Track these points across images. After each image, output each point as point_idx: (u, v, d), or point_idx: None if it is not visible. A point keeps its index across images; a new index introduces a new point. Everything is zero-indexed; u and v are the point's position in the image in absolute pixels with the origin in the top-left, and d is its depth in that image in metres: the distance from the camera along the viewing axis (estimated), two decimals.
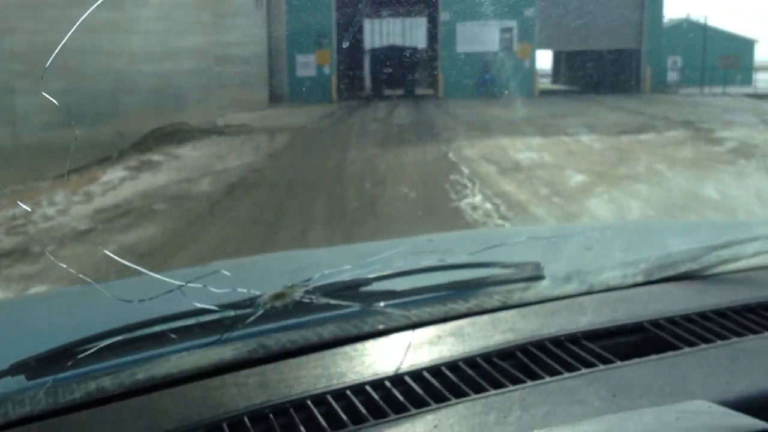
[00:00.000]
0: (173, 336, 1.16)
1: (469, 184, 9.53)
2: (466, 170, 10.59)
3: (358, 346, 1.17)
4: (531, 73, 28.64)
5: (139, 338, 1.15)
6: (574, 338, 1.17)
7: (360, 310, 1.26)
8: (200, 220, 8.39)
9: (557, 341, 1.15)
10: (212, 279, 1.24)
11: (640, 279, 1.42)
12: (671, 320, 1.22)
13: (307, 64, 29.14)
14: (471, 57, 28.42)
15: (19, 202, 9.87)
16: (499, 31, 28.43)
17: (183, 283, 1.20)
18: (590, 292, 1.37)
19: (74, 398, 1.04)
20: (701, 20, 40.05)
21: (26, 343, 1.38)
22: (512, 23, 28.36)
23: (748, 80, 40.81)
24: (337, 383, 1.05)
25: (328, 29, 29.04)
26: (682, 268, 1.44)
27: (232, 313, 1.18)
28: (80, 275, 1.31)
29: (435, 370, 1.08)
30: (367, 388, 1.04)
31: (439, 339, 1.18)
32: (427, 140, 14.31)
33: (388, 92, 36.42)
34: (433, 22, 33.53)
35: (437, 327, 1.23)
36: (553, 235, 2.05)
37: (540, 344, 1.15)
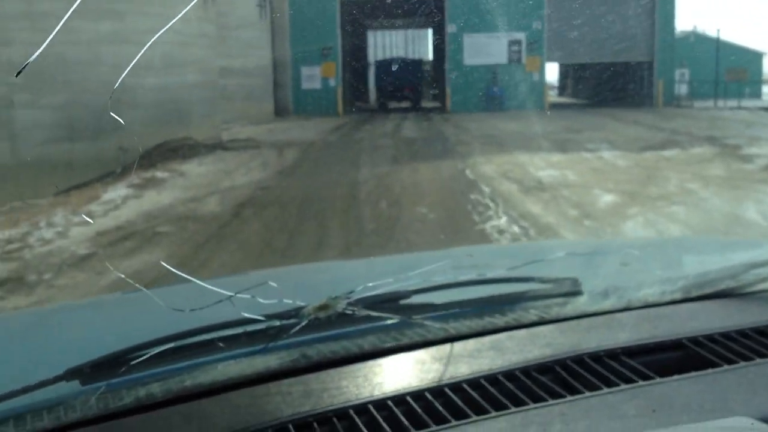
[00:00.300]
0: (221, 344, 1.18)
1: (492, 205, 8.98)
2: (486, 189, 10.05)
3: (399, 357, 1.18)
4: (540, 86, 28.17)
5: (188, 346, 1.17)
6: (614, 354, 1.16)
7: (400, 322, 1.27)
8: (207, 244, 7.84)
9: (596, 356, 1.15)
10: (259, 289, 1.27)
11: (678, 296, 1.40)
12: (710, 338, 1.21)
13: (312, 77, 28.69)
14: (479, 70, 27.97)
15: (18, 223, 9.32)
16: (508, 44, 27.98)
17: (232, 294, 1.24)
18: (629, 309, 1.36)
19: (124, 404, 1.05)
20: (708, 33, 39.70)
21: (80, 348, 1.41)
22: (521, 36, 27.92)
23: (756, 93, 40.35)
24: (378, 394, 1.06)
25: (333, 41, 28.61)
26: (721, 286, 1.43)
27: (277, 323, 1.20)
28: (132, 282, 1.41)
29: (474, 382, 1.08)
30: (408, 398, 1.04)
31: (478, 352, 1.19)
32: (440, 156, 13.79)
33: (393, 105, 36.00)
34: (439, 34, 33.11)
35: (476, 340, 1.23)
36: (591, 251, 2.10)
37: (579, 359, 1.14)
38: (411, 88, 34.64)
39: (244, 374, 1.12)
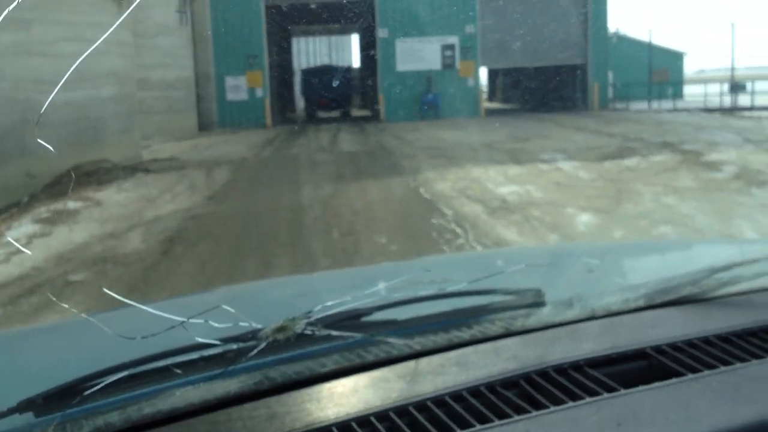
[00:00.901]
0: (178, 371, 1.14)
1: (460, 231, 7.93)
2: (448, 211, 9.01)
3: (362, 376, 1.16)
4: (476, 92, 27.43)
5: (144, 373, 1.14)
6: (578, 366, 1.15)
7: (362, 340, 1.24)
8: (132, 294, 6.48)
9: (561, 369, 1.14)
10: (213, 313, 1.25)
11: (641, 303, 1.39)
12: (674, 346, 1.20)
13: (237, 87, 27.20)
14: (412, 76, 27.05)
15: None
16: (441, 48, 27.15)
17: (184, 319, 1.21)
18: (592, 318, 1.35)
19: None
20: (628, 35, 39.96)
21: (29, 378, 1.38)
22: (454, 39, 27.13)
23: (678, 94, 40.82)
24: (342, 415, 1.04)
25: (258, 49, 27.20)
26: (684, 292, 1.42)
27: (234, 346, 1.17)
28: (76, 311, 1.40)
29: (439, 400, 1.07)
30: (372, 419, 1.03)
31: (442, 368, 1.17)
32: (388, 172, 12.70)
33: (322, 114, 34.84)
34: (370, 39, 32.10)
35: (441, 356, 1.21)
36: (551, 258, 2.16)
37: (543, 372, 1.13)
38: (340, 96, 33.53)
39: (204, 399, 1.09)
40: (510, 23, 26.83)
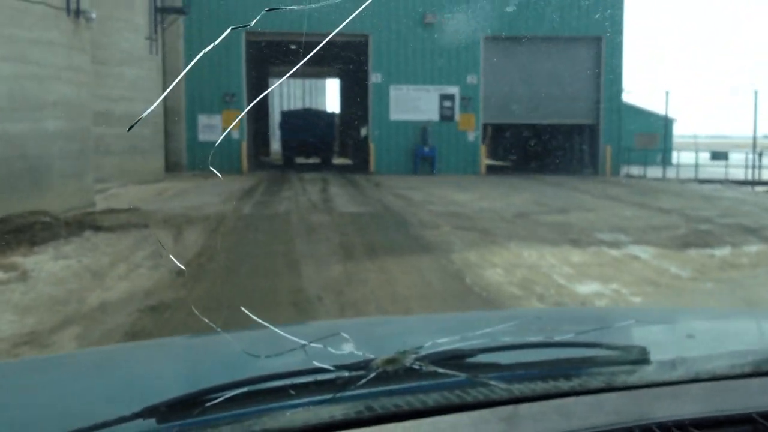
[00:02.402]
0: (292, 392, 1.20)
1: None
2: None
3: (462, 415, 1.17)
4: (476, 147, 24.95)
5: (260, 391, 1.19)
6: (682, 425, 1.14)
7: (465, 380, 1.25)
8: None
9: (665, 427, 1.13)
10: (331, 340, 1.32)
11: (748, 370, 1.35)
12: None
13: (211, 127, 24.36)
14: (407, 126, 24.51)
15: None
16: (439, 98, 24.71)
17: (306, 342, 1.30)
18: (696, 380, 1.32)
19: None
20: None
21: (153, 388, 1.44)
22: (454, 90, 24.73)
23: (668, 160, 39.06)
24: None
25: (237, 87, 24.45)
26: None
27: (346, 373, 1.22)
28: (213, 326, 1.43)
29: None
30: None
31: (543, 415, 1.17)
32: (409, 248, 9.92)
33: (301, 160, 32.18)
34: (357, 84, 29.62)
35: (541, 404, 1.21)
36: (659, 320, 2.10)
37: (647, 428, 1.12)
38: (322, 143, 30.95)
39: (309, 423, 1.12)
40: (514, 75, 24.55)
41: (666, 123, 43.39)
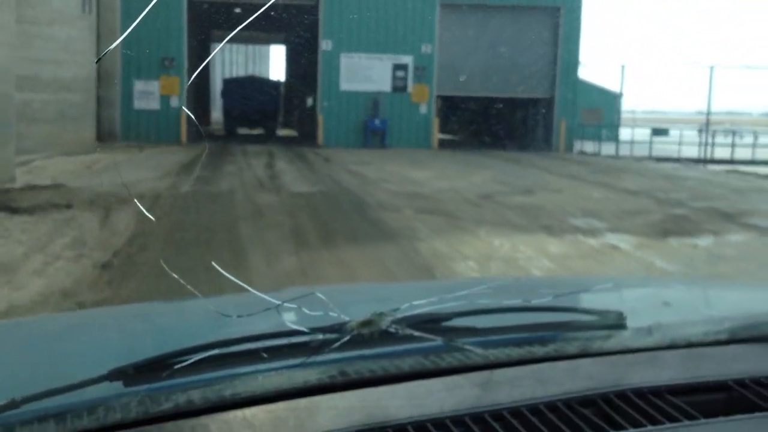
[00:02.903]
0: (264, 355, 1.18)
1: None
2: None
3: (438, 380, 1.16)
4: (428, 120, 23.95)
5: (231, 354, 1.18)
6: (658, 391, 1.13)
7: (440, 344, 1.24)
8: None
9: (640, 393, 1.12)
10: (306, 300, 1.29)
11: (723, 337, 1.35)
12: (757, 381, 1.18)
13: (148, 94, 22.79)
14: (357, 97, 23.34)
15: None
16: (392, 68, 23.58)
17: (280, 302, 1.27)
18: (673, 347, 1.32)
19: (162, 409, 1.04)
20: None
21: (122, 351, 1.44)
22: (407, 59, 23.62)
23: (613, 137, 38.80)
24: (417, 415, 1.04)
25: (177, 51, 22.89)
26: None
27: (320, 336, 1.21)
28: (185, 284, 1.38)
29: (515, 411, 1.06)
30: (447, 422, 1.03)
31: (518, 380, 1.17)
32: (370, 236, 8.95)
33: (243, 131, 30.79)
34: (304, 50, 28.27)
35: (516, 369, 1.22)
36: (635, 286, 2.16)
37: (622, 394, 1.12)
38: (267, 113, 29.57)
39: (282, 387, 1.10)
40: (470, 45, 23.58)
41: (615, 98, 43.24)
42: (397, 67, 23.54)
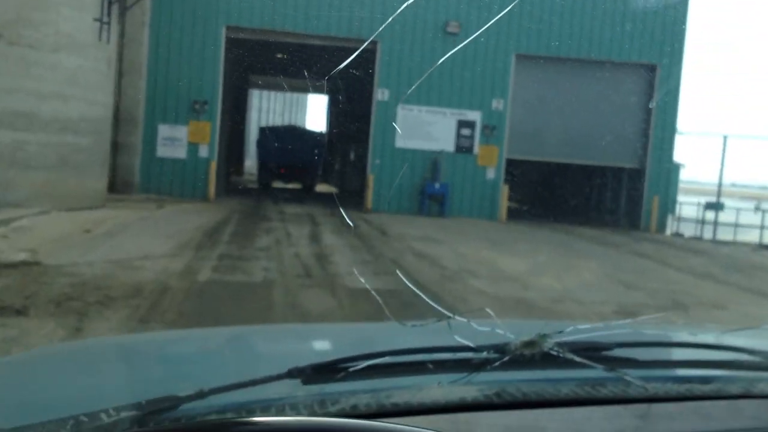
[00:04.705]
0: (430, 366, 1.21)
1: None
2: None
3: (597, 408, 1.15)
4: (496, 187, 20.56)
5: (400, 363, 1.21)
6: None
7: (600, 372, 1.22)
8: None
9: None
10: (476, 315, 1.35)
11: None
12: None
13: (174, 140, 19.77)
14: (415, 156, 20.11)
15: None
16: (457, 125, 20.36)
17: (451, 316, 1.33)
18: None
19: (327, 411, 1.07)
20: None
21: (297, 356, 1.52)
22: (475, 115, 20.41)
23: (671, 209, 35.19)
24: None
25: (210, 94, 19.92)
26: None
27: (484, 354, 1.22)
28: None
29: None
30: None
31: (679, 415, 1.14)
32: None
33: (278, 184, 27.83)
34: (354, 101, 25.24)
35: (675, 404, 1.19)
36: None
37: None
38: (307, 167, 26.57)
39: (440, 401, 1.11)
40: (548, 103, 20.37)
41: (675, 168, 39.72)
42: (463, 124, 20.31)
